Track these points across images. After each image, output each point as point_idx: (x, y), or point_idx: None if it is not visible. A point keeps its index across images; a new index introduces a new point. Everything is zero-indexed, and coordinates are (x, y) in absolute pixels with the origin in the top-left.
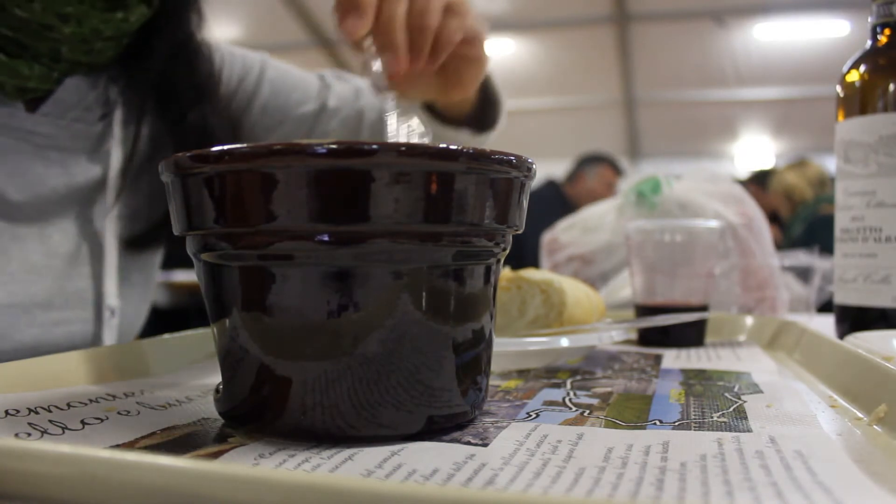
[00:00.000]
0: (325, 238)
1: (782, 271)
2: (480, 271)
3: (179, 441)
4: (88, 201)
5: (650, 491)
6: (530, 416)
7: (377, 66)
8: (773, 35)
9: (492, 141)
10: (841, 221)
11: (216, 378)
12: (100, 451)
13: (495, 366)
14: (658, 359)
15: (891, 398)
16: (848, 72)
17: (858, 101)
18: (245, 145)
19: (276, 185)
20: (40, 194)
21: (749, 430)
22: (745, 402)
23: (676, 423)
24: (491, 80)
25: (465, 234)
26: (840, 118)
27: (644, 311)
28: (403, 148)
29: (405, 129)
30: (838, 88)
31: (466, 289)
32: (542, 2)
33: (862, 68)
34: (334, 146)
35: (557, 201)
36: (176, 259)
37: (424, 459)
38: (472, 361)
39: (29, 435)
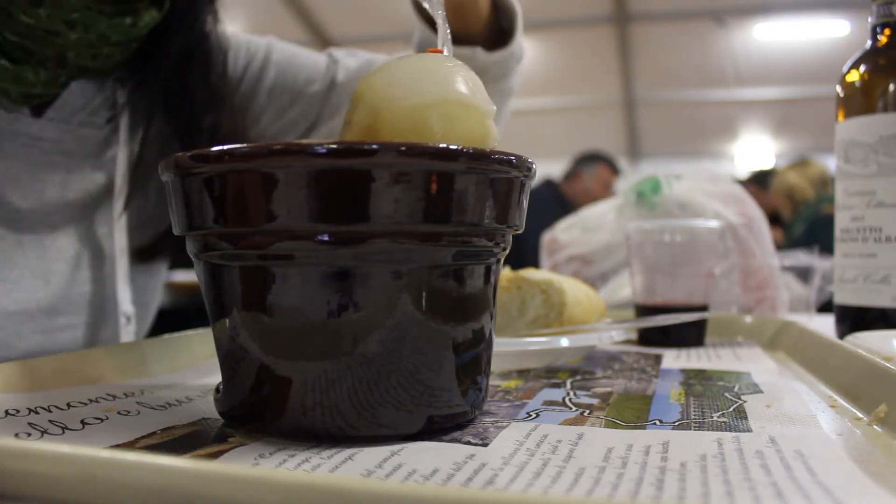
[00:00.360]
0: (326, 238)
1: (782, 271)
2: (480, 271)
3: (179, 441)
4: (94, 206)
5: (650, 491)
6: (530, 416)
7: None
8: (773, 35)
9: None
10: (841, 221)
11: (216, 378)
12: (100, 451)
13: (495, 366)
14: (658, 359)
15: (891, 398)
16: (848, 72)
17: (858, 101)
18: (245, 145)
19: (276, 185)
20: (46, 200)
21: (749, 430)
22: (745, 402)
23: (676, 423)
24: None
25: (465, 234)
26: (840, 118)
27: (644, 311)
28: (403, 148)
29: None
30: (838, 88)
31: (466, 289)
32: (542, 2)
33: (862, 68)
34: (334, 146)
35: (555, 201)
36: (176, 259)
37: (424, 459)
38: (472, 361)
39: (29, 435)
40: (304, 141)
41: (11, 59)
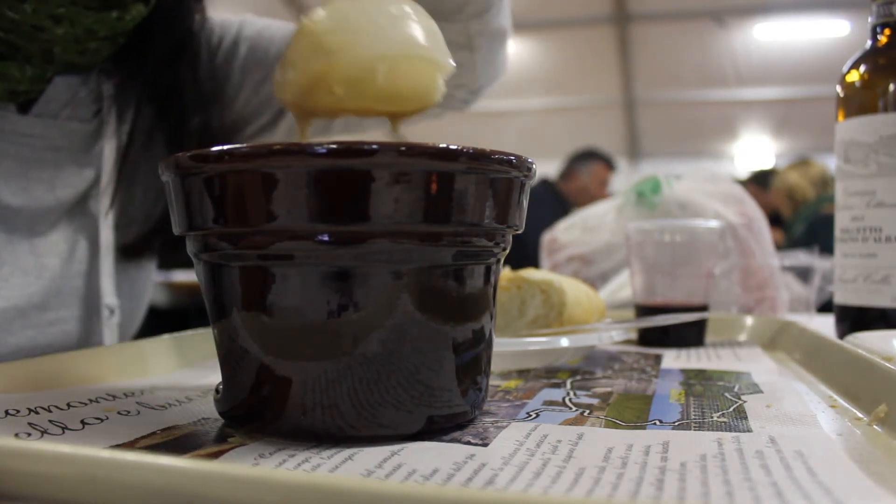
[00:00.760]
0: (326, 238)
1: (782, 271)
2: (480, 271)
3: (179, 441)
4: (85, 200)
5: (650, 491)
6: (530, 416)
7: None
8: (773, 35)
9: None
10: (841, 221)
11: (216, 378)
12: (100, 451)
13: (495, 366)
14: (658, 359)
15: (891, 398)
16: (848, 72)
17: (858, 101)
18: (245, 145)
19: (276, 185)
20: (36, 196)
21: (749, 430)
22: (745, 402)
23: (676, 423)
24: None
25: (465, 234)
26: (840, 118)
27: (644, 311)
28: (403, 148)
29: None
30: (838, 88)
31: (466, 289)
32: (542, 2)
33: (862, 68)
34: (334, 146)
35: (553, 200)
36: (176, 259)
37: (424, 459)
38: (472, 361)
39: (29, 435)
40: (304, 141)
41: None
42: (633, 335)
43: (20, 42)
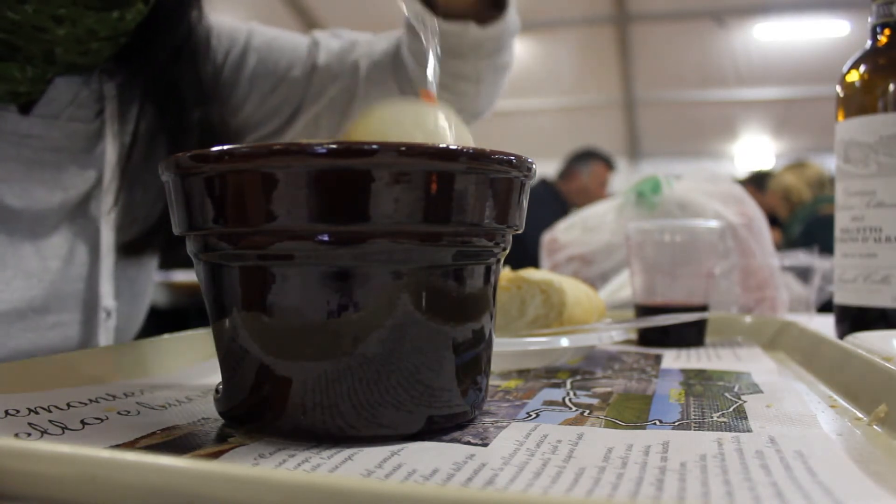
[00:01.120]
0: (325, 238)
1: (782, 271)
2: (480, 271)
3: (179, 441)
4: (87, 202)
5: (650, 491)
6: (530, 416)
7: None
8: (773, 35)
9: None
10: (841, 221)
11: (216, 378)
12: (100, 451)
13: (495, 366)
14: (658, 359)
15: (891, 398)
16: (848, 72)
17: (858, 101)
18: (245, 145)
19: (276, 185)
20: (38, 198)
21: (749, 430)
22: (745, 402)
23: (676, 423)
24: None
25: (465, 234)
26: (840, 118)
27: (644, 311)
28: (403, 148)
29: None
30: (838, 88)
31: (466, 289)
32: (542, 2)
33: (862, 68)
34: (334, 146)
35: (553, 200)
36: (176, 259)
37: (424, 459)
38: (472, 361)
39: (29, 435)
40: (304, 141)
41: None
42: (633, 335)
43: (21, 43)
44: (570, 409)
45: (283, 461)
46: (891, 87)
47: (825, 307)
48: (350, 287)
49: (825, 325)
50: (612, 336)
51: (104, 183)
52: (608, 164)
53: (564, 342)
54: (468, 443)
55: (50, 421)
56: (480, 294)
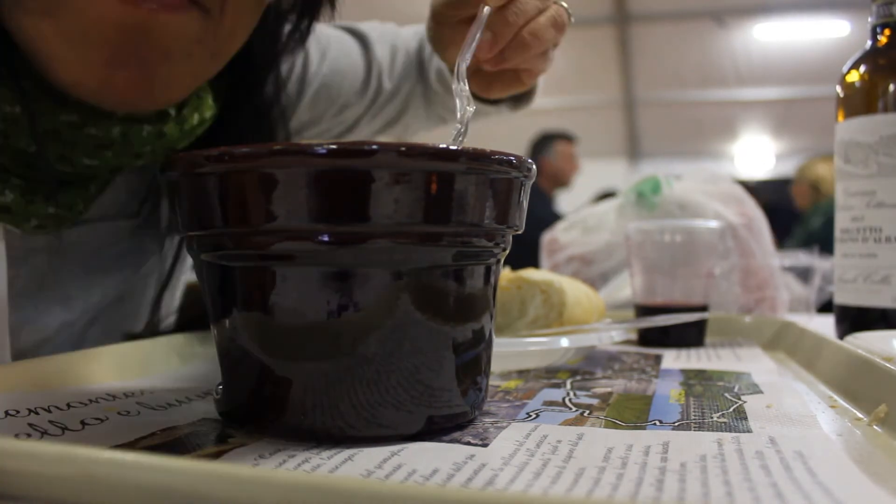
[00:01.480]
0: (326, 238)
1: (782, 271)
2: (480, 271)
3: (179, 441)
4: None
5: (650, 491)
6: (530, 416)
7: (469, 51)
8: (773, 35)
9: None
10: (841, 221)
11: (216, 378)
12: (100, 451)
13: (495, 366)
14: (658, 359)
15: (891, 398)
16: (848, 72)
17: (858, 102)
18: (245, 145)
19: (276, 185)
20: (109, 290)
21: (749, 431)
22: (745, 402)
23: (676, 424)
24: None
25: (465, 235)
26: (840, 118)
27: (644, 311)
28: (403, 148)
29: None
30: (838, 88)
31: (466, 289)
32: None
33: (862, 68)
34: (334, 146)
35: (534, 195)
36: None
37: (424, 460)
38: (472, 361)
39: (29, 436)
40: (304, 141)
41: (24, 177)
42: (633, 335)
43: (86, 174)
44: (570, 409)
45: (283, 461)
46: (891, 87)
47: (825, 307)
48: (350, 287)
49: (825, 325)
50: (612, 336)
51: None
52: (568, 139)
53: (564, 342)
54: (468, 443)
55: (50, 421)
56: (480, 294)
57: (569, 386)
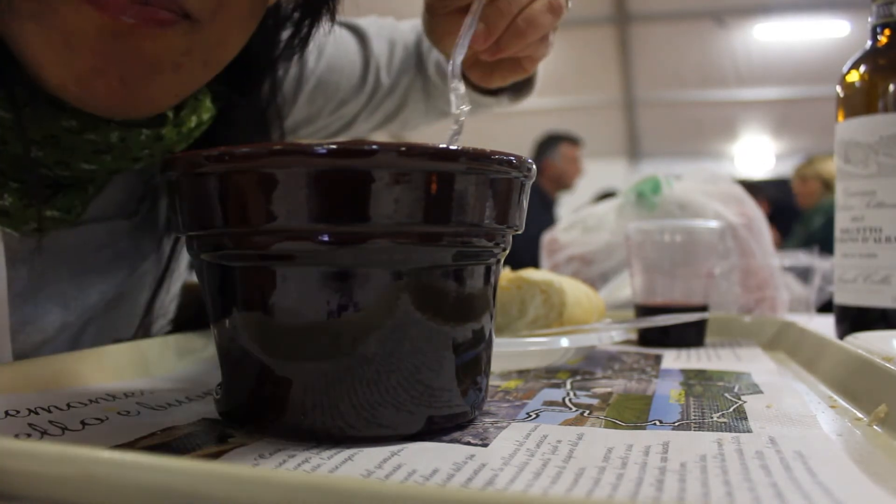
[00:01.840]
0: (326, 238)
1: (782, 271)
2: (480, 271)
3: (179, 441)
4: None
5: (650, 491)
6: (530, 416)
7: (463, 42)
8: (773, 35)
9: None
10: (841, 221)
11: (216, 378)
12: (100, 451)
13: (495, 366)
14: (658, 359)
15: (891, 398)
16: (848, 72)
17: (858, 102)
18: (245, 145)
19: (276, 185)
20: (105, 293)
21: (749, 431)
22: (744, 402)
23: (676, 424)
24: None
25: (465, 235)
26: (840, 118)
27: (644, 311)
28: (403, 148)
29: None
30: (838, 88)
31: (466, 289)
32: None
33: (862, 68)
34: (334, 146)
35: (533, 195)
36: None
37: (424, 460)
38: (472, 361)
39: (29, 436)
40: (304, 141)
41: (24, 181)
42: (633, 335)
43: (73, 182)
44: (570, 409)
45: (283, 461)
46: (891, 87)
47: (825, 307)
48: (350, 287)
49: (825, 325)
50: (612, 336)
51: (161, 259)
52: (574, 142)
53: (564, 342)
54: (468, 443)
55: (50, 421)
56: (480, 294)
57: (569, 386)
